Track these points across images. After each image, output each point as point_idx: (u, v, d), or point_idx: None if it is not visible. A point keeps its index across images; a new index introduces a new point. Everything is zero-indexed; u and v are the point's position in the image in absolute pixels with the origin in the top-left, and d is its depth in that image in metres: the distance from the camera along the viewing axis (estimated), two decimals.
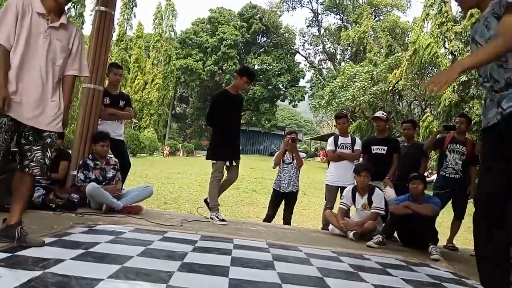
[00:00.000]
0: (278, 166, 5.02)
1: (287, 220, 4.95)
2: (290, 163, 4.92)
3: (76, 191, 3.92)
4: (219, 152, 4.19)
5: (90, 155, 4.20)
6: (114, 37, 32.31)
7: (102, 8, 4.43)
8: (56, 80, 2.48)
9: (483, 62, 1.93)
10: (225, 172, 4.29)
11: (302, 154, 5.15)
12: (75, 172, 4.18)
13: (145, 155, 24.62)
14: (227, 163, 4.21)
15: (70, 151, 4.44)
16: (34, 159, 2.40)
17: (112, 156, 4.38)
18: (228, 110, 4.20)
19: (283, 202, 4.98)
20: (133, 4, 34.97)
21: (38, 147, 2.42)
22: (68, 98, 2.58)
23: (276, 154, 5.20)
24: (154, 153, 27.04)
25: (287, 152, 4.98)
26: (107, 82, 4.66)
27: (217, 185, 4.22)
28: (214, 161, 4.18)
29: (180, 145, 33.07)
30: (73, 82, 2.63)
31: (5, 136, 2.28)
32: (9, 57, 2.27)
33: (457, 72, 1.91)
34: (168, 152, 28.83)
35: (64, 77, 2.55)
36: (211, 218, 4.12)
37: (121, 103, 4.62)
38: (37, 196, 3.53)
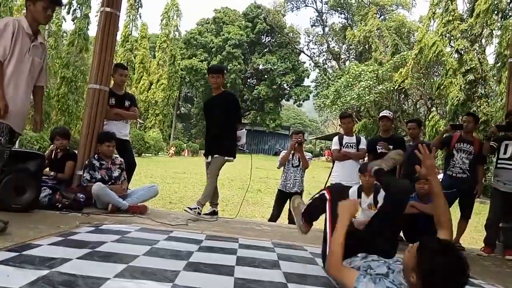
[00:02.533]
0: (283, 167, 5.02)
1: (292, 219, 4.94)
2: (297, 166, 4.93)
3: (82, 191, 3.94)
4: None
5: (96, 155, 4.22)
6: (120, 37, 32.49)
7: (108, 9, 4.45)
8: (31, 91, 2.86)
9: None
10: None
11: (308, 155, 5.14)
12: (81, 172, 4.20)
13: (150, 155, 24.71)
14: (208, 159, 4.42)
15: (76, 151, 4.47)
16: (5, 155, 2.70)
17: (117, 156, 4.40)
18: (209, 111, 4.56)
19: (287, 202, 4.97)
20: (139, 5, 35.09)
21: (9, 147, 2.75)
22: (41, 106, 3.05)
23: (282, 154, 5.19)
24: (159, 153, 27.13)
25: (293, 154, 4.97)
26: (112, 82, 4.69)
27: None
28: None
29: (185, 145, 33.15)
30: (43, 92, 3.14)
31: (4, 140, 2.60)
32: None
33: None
34: (173, 152, 28.91)
35: (35, 88, 2.91)
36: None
37: (127, 103, 4.63)
38: (43, 196, 3.55)
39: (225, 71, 5.29)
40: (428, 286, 1.57)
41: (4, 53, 2.57)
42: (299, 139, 4.89)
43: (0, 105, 2.50)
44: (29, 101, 2.80)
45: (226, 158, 4.31)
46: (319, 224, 2.75)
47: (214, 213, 4.37)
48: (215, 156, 4.32)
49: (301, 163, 4.92)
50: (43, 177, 3.75)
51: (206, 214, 4.29)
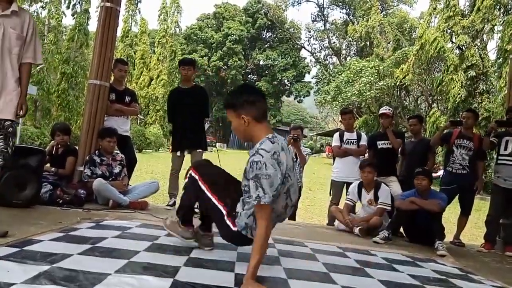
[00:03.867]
0: None
1: (292, 215, 4.94)
2: (295, 161, 4.89)
3: (83, 186, 3.95)
4: (172, 145, 4.70)
5: (97, 151, 4.22)
6: (119, 33, 32.40)
7: (108, 4, 4.44)
8: (15, 68, 2.53)
9: (259, 263, 1.88)
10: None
11: (306, 151, 5.11)
12: (82, 168, 4.20)
13: (151, 151, 24.72)
14: (178, 153, 4.55)
15: (76, 147, 4.47)
16: None
17: (118, 152, 4.40)
18: (180, 102, 4.55)
19: None
20: (138, 0, 34.95)
21: (1, 137, 2.47)
22: (25, 85, 2.62)
23: None
24: (160, 149, 27.14)
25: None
26: (112, 78, 4.68)
27: (174, 176, 4.64)
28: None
29: None
30: (29, 70, 2.68)
31: None
32: None
33: (253, 282, 1.84)
34: None
35: (21, 65, 2.60)
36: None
37: (127, 99, 4.63)
38: (44, 192, 3.55)
39: (196, 65, 5.45)
40: None
41: None
42: (296, 135, 4.80)
43: None
44: (8, 78, 2.48)
45: (204, 151, 4.54)
46: (319, 220, 2.75)
47: (174, 204, 4.51)
48: (198, 150, 4.51)
49: (298, 159, 4.89)
50: (44, 173, 3.75)
51: (168, 205, 4.47)
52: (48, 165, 4.08)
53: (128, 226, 3.01)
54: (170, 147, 4.75)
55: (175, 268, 2.00)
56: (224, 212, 2.18)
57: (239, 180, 2.19)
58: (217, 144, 33.55)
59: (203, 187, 2.27)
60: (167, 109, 4.76)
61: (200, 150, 4.51)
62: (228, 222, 2.16)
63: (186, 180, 2.39)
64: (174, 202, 4.52)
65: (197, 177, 2.31)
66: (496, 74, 16.39)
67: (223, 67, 38.37)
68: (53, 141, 4.37)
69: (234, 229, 2.14)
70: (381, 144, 4.72)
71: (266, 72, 39.91)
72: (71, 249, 2.13)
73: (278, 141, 2.02)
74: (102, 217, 3.27)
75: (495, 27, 17.07)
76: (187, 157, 4.61)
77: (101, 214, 3.44)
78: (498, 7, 16.43)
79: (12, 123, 2.52)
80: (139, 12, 35.39)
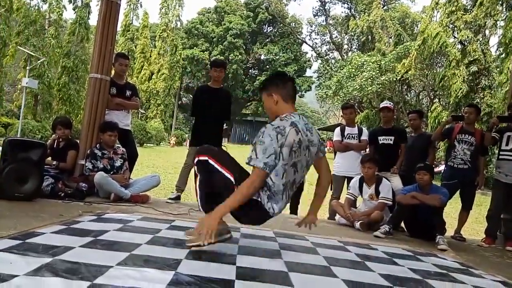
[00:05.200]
0: None
1: (294, 209, 4.96)
2: None
3: (85, 180, 3.96)
4: (192, 139, 4.71)
5: (98, 145, 4.23)
6: (120, 27, 32.30)
7: None
8: None
9: (229, 208, 2.07)
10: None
11: None
12: (83, 162, 4.21)
13: (152, 145, 24.75)
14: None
15: (78, 141, 4.47)
16: None
17: (119, 145, 4.40)
18: (207, 101, 4.55)
19: None
20: None
21: None
22: None
23: None
24: (161, 143, 27.19)
25: None
26: (113, 72, 4.67)
27: (186, 170, 4.59)
28: (188, 148, 4.73)
29: (187, 135, 33.16)
30: None
31: None
32: None
33: (216, 219, 2.02)
34: (174, 142, 28.94)
35: None
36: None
37: (128, 93, 4.63)
38: (46, 185, 3.56)
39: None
40: None
41: None
42: None
43: None
44: None
45: None
46: (320, 214, 2.75)
47: (178, 198, 4.52)
48: None
49: None
50: (45, 166, 3.75)
51: (170, 198, 4.45)
52: (49, 158, 4.09)
53: (130, 219, 3.02)
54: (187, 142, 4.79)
55: (176, 261, 2.00)
56: (233, 181, 2.21)
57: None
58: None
59: (211, 161, 2.26)
60: (192, 103, 4.78)
61: None
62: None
63: (197, 163, 2.33)
64: (178, 196, 4.51)
65: (206, 158, 2.29)
66: (498, 69, 16.33)
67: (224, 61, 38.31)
68: (54, 135, 4.38)
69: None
70: (382, 139, 4.72)
71: (268, 66, 39.75)
72: (73, 241, 2.14)
73: (289, 119, 2.22)
74: (103, 210, 3.28)
75: (498, 22, 16.99)
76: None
77: (102, 207, 3.45)
78: (500, 2, 16.33)
79: None
80: (141, 6, 35.32)
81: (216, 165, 2.26)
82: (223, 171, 2.24)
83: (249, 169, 2.22)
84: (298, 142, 2.19)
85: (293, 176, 2.24)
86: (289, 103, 2.32)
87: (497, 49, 16.35)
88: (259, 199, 2.17)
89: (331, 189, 5.02)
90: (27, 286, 1.48)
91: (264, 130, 2.16)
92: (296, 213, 4.94)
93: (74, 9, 24.49)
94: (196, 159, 2.35)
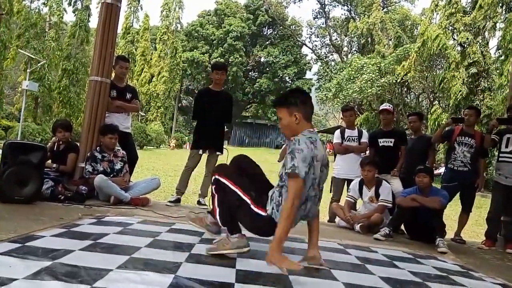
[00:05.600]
0: None
1: None
2: None
3: (85, 183, 3.95)
4: (194, 142, 4.68)
5: (98, 147, 4.23)
6: (121, 29, 32.35)
7: (108, 1, 4.42)
8: None
9: (285, 235, 2.04)
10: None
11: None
12: (83, 164, 4.21)
13: (152, 147, 24.74)
14: (200, 152, 4.55)
15: (78, 144, 4.47)
16: None
17: (119, 148, 4.40)
18: (208, 104, 4.54)
19: None
20: None
21: None
22: None
23: (283, 147, 5.18)
24: (161, 146, 27.17)
25: None
26: (113, 75, 4.67)
27: (186, 173, 4.62)
28: (190, 150, 4.69)
29: (187, 138, 33.17)
30: None
31: None
32: None
33: (279, 252, 1.99)
34: (174, 145, 28.94)
35: None
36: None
37: (128, 95, 4.63)
38: (46, 188, 3.56)
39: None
40: None
41: None
42: None
43: None
44: None
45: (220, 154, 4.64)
46: (320, 217, 2.75)
47: (178, 200, 4.53)
48: (217, 153, 4.60)
49: None
50: (45, 169, 3.75)
51: (170, 201, 4.44)
52: (49, 161, 4.09)
53: (130, 222, 3.02)
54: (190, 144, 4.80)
55: (176, 264, 2.00)
56: (250, 202, 2.22)
57: (264, 175, 2.40)
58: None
59: (225, 182, 2.29)
60: (193, 106, 4.80)
61: (218, 153, 4.61)
62: (256, 209, 2.20)
63: (213, 187, 2.39)
64: (178, 199, 4.51)
65: (220, 178, 2.33)
66: (498, 71, 16.35)
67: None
68: (54, 138, 4.38)
69: (264, 214, 2.17)
70: (382, 142, 4.71)
71: (267, 69, 39.81)
72: (72, 245, 2.14)
73: (316, 136, 2.24)
74: (103, 213, 3.28)
75: (497, 24, 17.01)
76: (203, 157, 4.65)
77: (102, 210, 3.45)
78: (500, 4, 16.36)
79: None
80: (141, 8, 35.38)
81: (230, 185, 2.28)
82: (238, 192, 2.26)
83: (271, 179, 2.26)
84: (322, 159, 2.19)
85: (313, 192, 2.21)
86: (309, 121, 2.27)
87: (497, 51, 16.38)
88: (272, 216, 2.16)
89: (330, 191, 5.02)
90: None
91: (298, 139, 2.11)
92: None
93: (74, 12, 24.57)
94: (213, 177, 2.38)
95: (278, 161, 5.19)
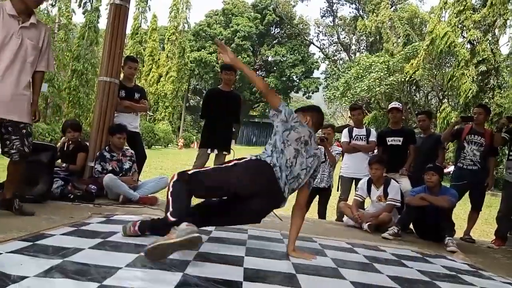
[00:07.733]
0: None
1: (321, 214, 4.93)
2: (323, 161, 4.68)
3: (94, 182, 3.99)
4: (202, 141, 4.73)
5: (107, 147, 4.27)
6: (129, 30, 32.54)
7: (117, 2, 4.46)
8: (28, 76, 2.74)
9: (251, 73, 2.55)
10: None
11: (337, 150, 5.04)
12: (92, 164, 4.25)
13: (160, 147, 24.87)
14: (209, 151, 4.57)
15: (87, 143, 4.52)
16: (14, 147, 2.71)
17: (128, 147, 4.44)
18: (218, 104, 4.57)
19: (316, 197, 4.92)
20: None
21: (17, 137, 2.71)
22: (37, 92, 2.86)
23: None
24: (169, 145, 27.30)
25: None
26: (122, 75, 4.71)
27: None
28: (198, 149, 4.73)
29: (194, 137, 33.27)
30: (42, 78, 2.91)
31: None
32: None
33: (235, 58, 2.55)
34: (182, 144, 29.05)
35: (34, 73, 2.80)
36: None
37: (136, 95, 4.66)
38: (55, 187, 3.60)
39: None
40: None
41: None
42: (323, 136, 4.70)
43: None
44: (21, 86, 2.68)
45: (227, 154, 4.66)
46: (328, 216, 2.75)
47: None
48: (224, 152, 4.60)
49: (328, 159, 4.79)
50: (55, 168, 3.80)
51: None
52: (59, 161, 4.14)
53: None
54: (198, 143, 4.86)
55: (184, 263, 2.02)
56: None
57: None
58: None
59: (202, 170, 2.49)
60: (202, 105, 4.83)
61: (226, 153, 4.61)
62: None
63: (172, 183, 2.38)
64: None
65: (192, 171, 2.46)
66: (508, 69, 16.14)
67: None
68: (64, 138, 4.43)
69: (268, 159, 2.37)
70: (390, 140, 4.69)
71: (275, 68, 39.74)
72: (82, 243, 2.16)
73: (314, 135, 2.60)
74: (112, 212, 3.31)
75: (508, 21, 16.79)
76: (211, 156, 4.67)
77: (111, 209, 3.49)
78: (510, 1, 16.14)
79: (26, 125, 2.75)
80: (149, 9, 35.49)
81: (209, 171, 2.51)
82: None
83: None
84: (304, 142, 2.46)
85: (292, 160, 2.41)
86: (316, 129, 2.65)
87: (508, 48, 16.16)
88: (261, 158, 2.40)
89: (338, 190, 5.00)
90: (37, 287, 1.50)
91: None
92: (324, 217, 4.90)
93: (83, 13, 24.75)
94: (174, 179, 2.43)
95: None
